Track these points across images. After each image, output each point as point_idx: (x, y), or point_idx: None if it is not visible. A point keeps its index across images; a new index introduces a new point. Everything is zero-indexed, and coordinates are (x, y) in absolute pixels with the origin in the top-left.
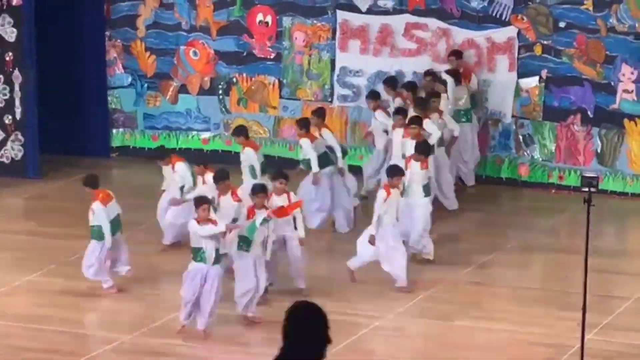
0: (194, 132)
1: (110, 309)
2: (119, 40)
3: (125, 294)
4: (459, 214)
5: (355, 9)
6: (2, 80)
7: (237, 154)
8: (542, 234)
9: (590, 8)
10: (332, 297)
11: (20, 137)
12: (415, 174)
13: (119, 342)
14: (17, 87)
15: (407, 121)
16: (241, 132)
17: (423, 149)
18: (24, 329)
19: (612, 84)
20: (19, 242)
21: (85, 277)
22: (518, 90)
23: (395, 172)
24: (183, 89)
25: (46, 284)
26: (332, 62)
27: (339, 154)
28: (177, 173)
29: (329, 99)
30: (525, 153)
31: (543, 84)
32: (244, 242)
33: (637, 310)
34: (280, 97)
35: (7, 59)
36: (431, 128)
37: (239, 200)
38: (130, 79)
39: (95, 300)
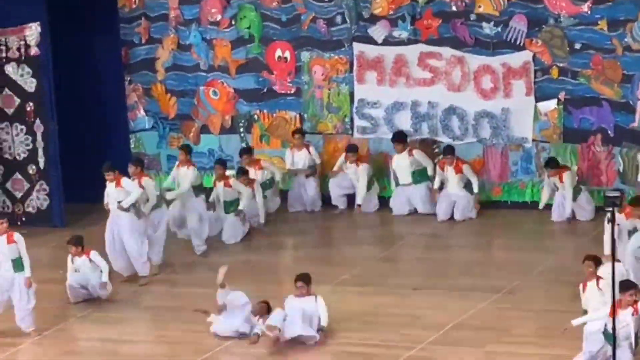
0: None
1: (144, 353)
2: (138, 84)
3: (161, 337)
4: (486, 240)
5: (371, 40)
6: (25, 130)
7: None
8: (569, 256)
9: (605, 28)
10: (361, 329)
11: (45, 186)
12: None
13: None
14: (39, 137)
15: None
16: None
17: None
18: None
19: (631, 102)
20: (45, 291)
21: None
22: (537, 114)
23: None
24: (205, 129)
25: (75, 331)
26: (351, 94)
27: None
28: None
29: (350, 132)
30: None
31: (561, 106)
32: None
33: None
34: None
35: (28, 109)
36: None
37: None
38: (152, 122)
39: (126, 345)
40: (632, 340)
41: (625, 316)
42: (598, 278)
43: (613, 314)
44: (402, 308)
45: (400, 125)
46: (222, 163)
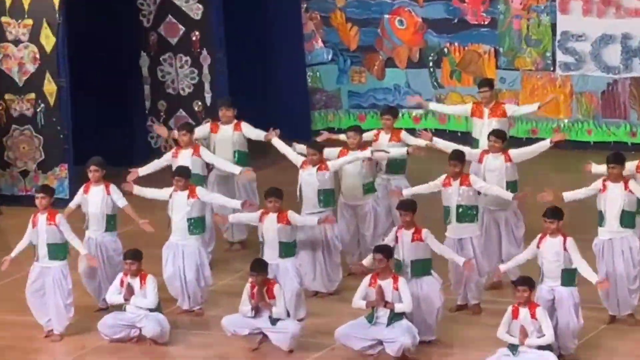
0: (404, 110)
1: None
2: (316, 12)
3: None
4: None
5: None
6: (190, 62)
7: (453, 132)
8: None
9: None
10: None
11: None
12: None
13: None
14: (205, 70)
15: None
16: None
17: None
18: None
19: None
20: None
21: None
22: None
23: None
24: (390, 62)
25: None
26: (553, 26)
27: None
28: None
29: (551, 68)
30: None
31: None
32: None
33: None
34: (497, 67)
35: (194, 38)
36: None
37: None
38: (331, 54)
39: None
40: None
41: None
42: None
43: None
44: None
45: (609, 62)
46: None
